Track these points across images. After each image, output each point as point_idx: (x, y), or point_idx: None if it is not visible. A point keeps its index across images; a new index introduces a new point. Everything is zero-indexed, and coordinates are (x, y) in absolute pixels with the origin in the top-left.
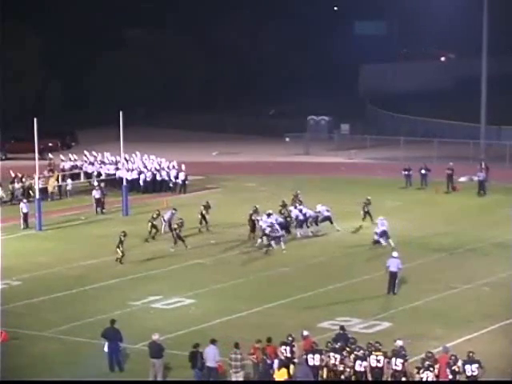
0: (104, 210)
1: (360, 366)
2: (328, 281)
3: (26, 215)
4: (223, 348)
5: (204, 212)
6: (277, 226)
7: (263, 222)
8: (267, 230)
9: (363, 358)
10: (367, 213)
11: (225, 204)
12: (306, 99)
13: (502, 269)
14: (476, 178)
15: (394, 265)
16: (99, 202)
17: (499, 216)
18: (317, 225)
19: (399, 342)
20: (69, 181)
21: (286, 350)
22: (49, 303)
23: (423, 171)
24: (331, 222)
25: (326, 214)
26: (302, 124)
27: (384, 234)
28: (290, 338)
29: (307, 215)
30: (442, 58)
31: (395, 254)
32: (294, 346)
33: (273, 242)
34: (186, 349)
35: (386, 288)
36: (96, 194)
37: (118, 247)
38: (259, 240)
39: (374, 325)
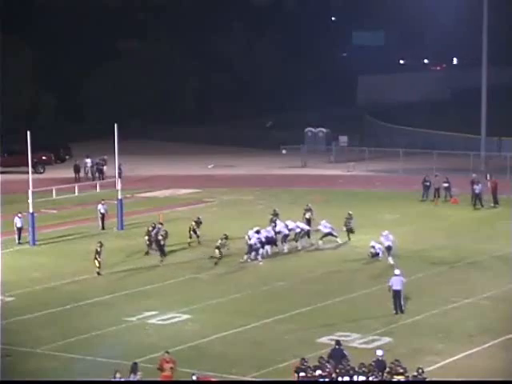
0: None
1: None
2: (326, 295)
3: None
4: (220, 364)
5: (195, 227)
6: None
7: (253, 238)
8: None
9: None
10: (350, 230)
11: (221, 217)
12: (304, 111)
13: (503, 282)
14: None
15: (398, 283)
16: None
17: (499, 229)
18: (308, 237)
19: (379, 352)
20: None
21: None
22: (42, 319)
23: (445, 184)
24: (335, 236)
25: (326, 230)
26: (299, 136)
27: (389, 249)
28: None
29: (293, 229)
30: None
31: (397, 271)
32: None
33: (259, 257)
34: (182, 365)
35: (392, 308)
36: (101, 208)
37: (96, 258)
38: (245, 256)
39: (374, 340)
